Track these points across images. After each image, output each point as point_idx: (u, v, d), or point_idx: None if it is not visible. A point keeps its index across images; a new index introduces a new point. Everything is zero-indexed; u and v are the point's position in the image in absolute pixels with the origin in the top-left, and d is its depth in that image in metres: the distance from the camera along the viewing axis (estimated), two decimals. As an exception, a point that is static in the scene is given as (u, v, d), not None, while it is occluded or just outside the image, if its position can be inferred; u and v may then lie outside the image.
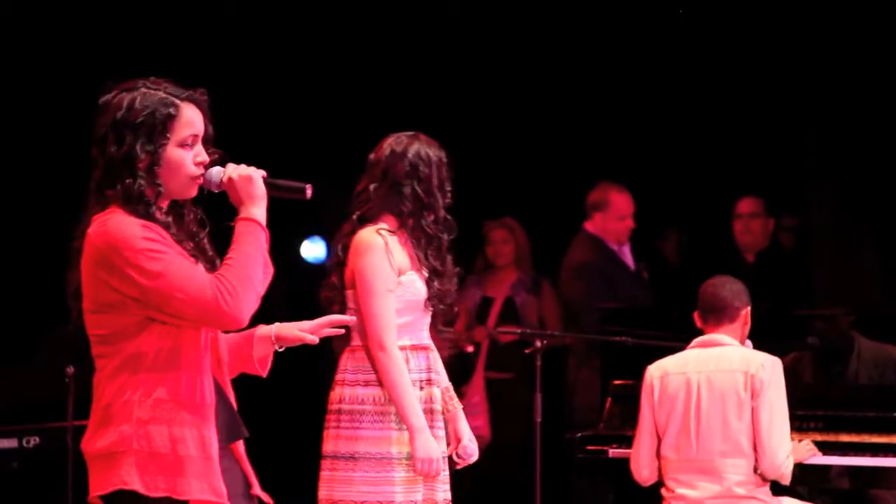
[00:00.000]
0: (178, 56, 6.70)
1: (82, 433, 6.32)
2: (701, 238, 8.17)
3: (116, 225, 3.15)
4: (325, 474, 4.33)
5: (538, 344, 5.78)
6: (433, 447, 4.24)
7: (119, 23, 7.29)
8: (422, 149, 4.40)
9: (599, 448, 5.90)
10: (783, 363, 5.23)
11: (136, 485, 3.14)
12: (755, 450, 5.05)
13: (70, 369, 5.96)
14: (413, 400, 4.25)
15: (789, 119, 7.71)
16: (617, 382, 6.13)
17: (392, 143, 4.41)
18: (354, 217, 4.40)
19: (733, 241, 7.54)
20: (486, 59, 8.03)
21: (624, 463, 5.43)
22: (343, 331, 3.63)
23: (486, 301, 7.84)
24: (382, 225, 4.35)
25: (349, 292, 4.34)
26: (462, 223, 7.86)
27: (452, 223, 4.42)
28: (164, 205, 3.25)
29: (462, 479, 7.78)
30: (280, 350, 3.51)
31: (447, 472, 4.41)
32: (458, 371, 7.94)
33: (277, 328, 3.49)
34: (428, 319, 4.45)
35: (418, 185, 4.37)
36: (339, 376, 4.37)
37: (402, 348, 4.34)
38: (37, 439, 6.16)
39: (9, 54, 7.19)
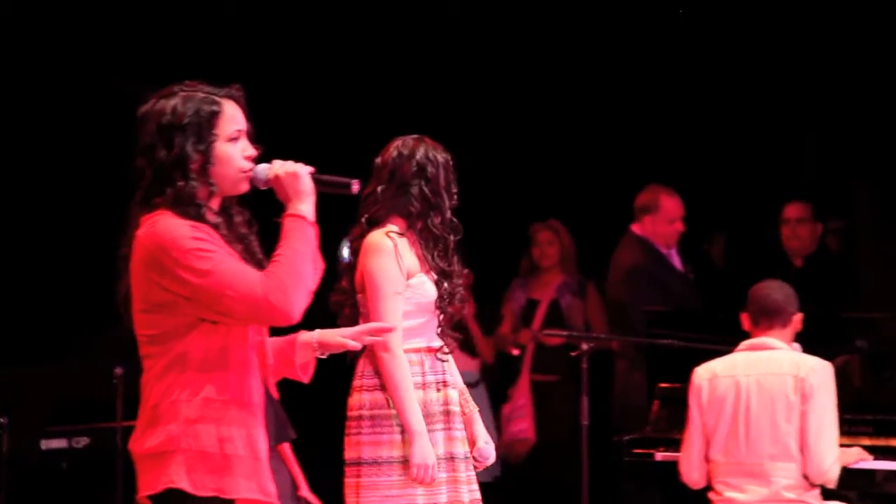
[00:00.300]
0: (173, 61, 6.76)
1: (131, 433, 6.38)
2: (747, 242, 8.12)
3: (165, 226, 3.17)
4: (350, 481, 4.31)
5: (584, 346, 5.77)
6: (430, 453, 4.22)
7: (149, 30, 7.34)
8: (428, 151, 4.43)
9: (647, 451, 5.88)
10: (832, 367, 5.19)
11: (184, 484, 3.15)
12: (802, 454, 5.02)
13: (119, 370, 6.01)
14: (414, 403, 4.24)
15: (835, 121, 7.66)
16: (663, 385, 6.10)
17: (399, 145, 4.43)
18: (363, 220, 4.41)
19: (780, 246, 7.49)
20: (534, 63, 8.03)
21: (671, 466, 5.40)
22: (384, 338, 3.64)
23: (532, 303, 7.84)
24: (391, 227, 4.36)
25: (360, 296, 4.34)
26: (508, 225, 7.93)
27: (458, 225, 4.43)
28: (215, 205, 3.27)
29: (508, 482, 7.83)
30: (322, 357, 3.51)
31: (472, 473, 4.40)
32: (505, 374, 7.98)
33: (320, 335, 3.49)
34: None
35: (426, 186, 4.39)
36: (356, 382, 4.35)
37: (417, 350, 4.32)
38: (86, 440, 6.21)
39: (57, 62, 7.26)
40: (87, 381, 6.10)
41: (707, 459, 5.20)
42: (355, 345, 3.51)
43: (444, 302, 4.35)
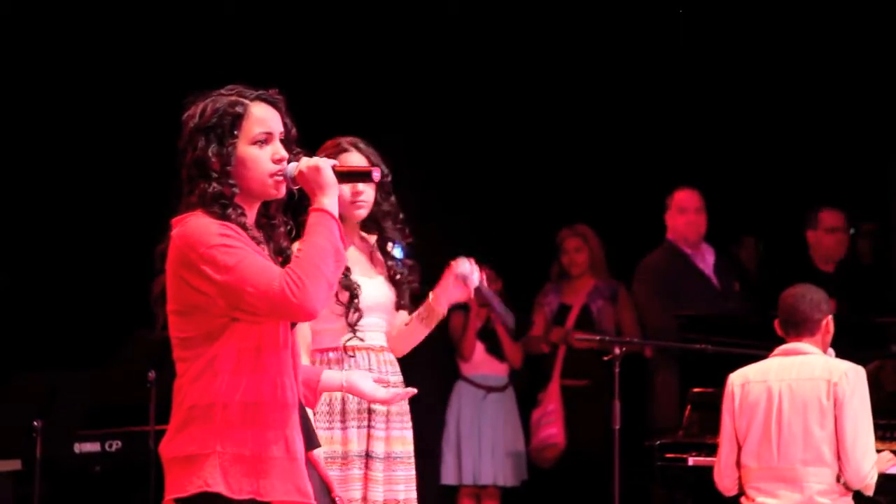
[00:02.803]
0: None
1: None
2: (780, 246, 8.08)
3: (194, 224, 3.19)
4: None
5: (617, 351, 5.76)
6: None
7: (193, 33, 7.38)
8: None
9: (679, 456, 5.86)
10: (865, 372, 5.17)
11: (220, 487, 3.14)
12: (839, 459, 4.99)
13: (152, 373, 6.03)
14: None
15: (870, 124, 7.63)
16: (696, 390, 6.09)
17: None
18: None
19: (810, 252, 7.41)
20: (567, 70, 8.04)
21: (703, 471, 5.39)
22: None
23: (564, 308, 7.83)
24: None
25: None
26: (537, 231, 7.93)
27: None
28: (247, 206, 3.28)
29: (538, 487, 7.83)
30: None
31: (395, 473, 4.40)
32: (534, 379, 7.97)
33: (348, 381, 3.67)
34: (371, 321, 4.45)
35: None
36: None
37: (335, 349, 4.36)
38: (119, 443, 6.22)
39: (102, 65, 7.30)
40: (120, 384, 6.11)
41: (738, 465, 5.18)
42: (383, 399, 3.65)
43: (351, 301, 4.36)
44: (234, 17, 7.53)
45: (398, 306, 4.50)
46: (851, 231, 7.42)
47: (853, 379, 5.04)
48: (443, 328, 8.01)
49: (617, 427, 5.72)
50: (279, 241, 3.33)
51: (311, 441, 3.39)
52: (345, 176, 3.32)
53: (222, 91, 3.30)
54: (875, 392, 5.27)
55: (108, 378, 6.10)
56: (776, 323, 5.26)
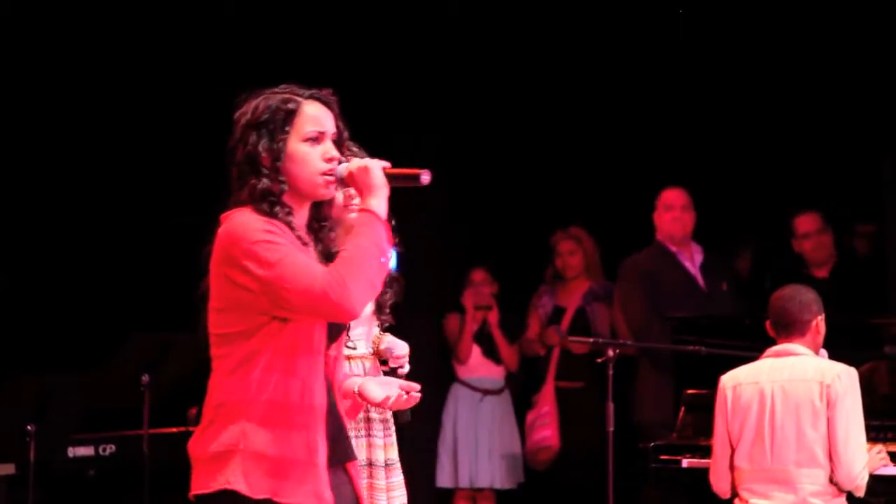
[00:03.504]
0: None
1: (158, 441, 6.41)
2: (775, 250, 8.02)
3: (239, 220, 3.18)
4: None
5: (610, 353, 5.76)
6: None
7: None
8: None
9: (673, 458, 5.86)
10: (859, 373, 5.16)
11: (240, 485, 3.12)
12: (831, 460, 4.99)
13: (146, 377, 6.02)
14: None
15: (864, 124, 7.62)
16: (690, 392, 6.09)
17: None
18: None
19: (800, 259, 7.35)
20: (559, 72, 8.03)
21: (698, 473, 5.39)
22: (417, 396, 3.57)
23: (558, 310, 7.83)
24: None
25: None
26: (531, 234, 7.92)
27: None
28: (296, 206, 3.26)
29: (533, 489, 7.82)
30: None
31: (395, 480, 4.40)
32: (529, 381, 7.97)
33: (361, 385, 3.53)
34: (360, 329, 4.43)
35: None
36: None
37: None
38: (113, 447, 6.21)
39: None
40: (114, 388, 6.10)
41: (732, 467, 5.18)
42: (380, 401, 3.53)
43: None
44: (235, 16, 7.54)
45: (378, 318, 4.45)
46: (829, 231, 7.30)
47: (846, 381, 5.04)
48: (439, 331, 8.05)
49: (611, 429, 5.72)
50: (329, 245, 3.31)
51: (346, 453, 3.35)
52: (394, 178, 3.29)
53: (275, 89, 3.29)
54: (869, 393, 5.27)
55: (102, 381, 6.08)
56: (768, 324, 5.26)
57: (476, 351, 7.94)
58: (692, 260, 7.32)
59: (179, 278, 7.11)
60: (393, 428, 4.46)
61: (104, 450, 6.19)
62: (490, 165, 8.06)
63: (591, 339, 6.67)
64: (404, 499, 4.43)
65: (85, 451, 6.15)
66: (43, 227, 7.23)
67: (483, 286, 7.91)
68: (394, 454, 4.43)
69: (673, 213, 7.26)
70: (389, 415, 4.42)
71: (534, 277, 8.00)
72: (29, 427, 5.83)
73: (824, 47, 7.52)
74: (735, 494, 5.19)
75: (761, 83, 7.85)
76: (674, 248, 7.29)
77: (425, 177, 3.30)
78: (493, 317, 7.91)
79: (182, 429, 6.65)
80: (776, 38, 7.70)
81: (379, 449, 4.38)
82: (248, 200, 3.22)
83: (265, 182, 3.21)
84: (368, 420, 4.37)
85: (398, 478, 4.43)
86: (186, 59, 7.46)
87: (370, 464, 4.36)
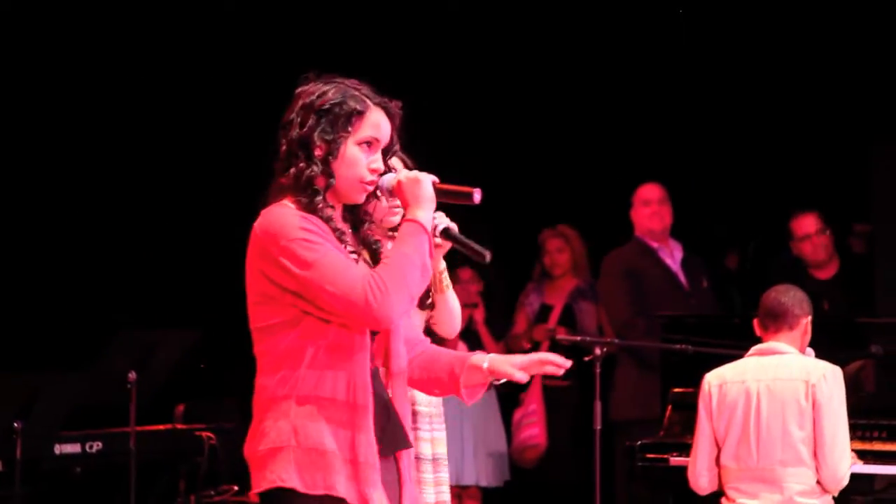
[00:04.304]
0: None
1: (144, 438, 6.39)
2: (771, 251, 7.99)
3: (276, 215, 3.13)
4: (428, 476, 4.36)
5: (597, 351, 5.76)
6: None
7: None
8: None
9: (660, 456, 5.86)
10: (845, 372, 5.17)
11: (295, 482, 3.07)
12: (816, 460, 4.99)
13: (132, 375, 6.01)
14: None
15: (856, 124, 7.62)
16: (677, 390, 6.09)
17: None
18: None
19: (798, 261, 7.31)
20: (547, 70, 8.03)
21: (685, 471, 5.37)
22: (560, 372, 3.36)
23: (545, 308, 7.83)
24: None
25: None
26: (518, 231, 7.92)
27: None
28: (334, 202, 3.21)
29: (519, 487, 7.83)
30: (497, 384, 3.38)
31: (442, 475, 4.40)
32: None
33: (491, 361, 3.34)
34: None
35: None
36: None
37: None
38: (100, 444, 6.20)
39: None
40: (101, 385, 6.10)
41: (717, 465, 5.18)
42: (522, 376, 3.31)
43: None
44: (235, 14, 7.55)
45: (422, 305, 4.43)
46: (828, 231, 7.27)
47: (831, 381, 5.04)
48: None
49: (598, 427, 5.73)
50: (367, 235, 3.27)
51: (398, 441, 3.27)
52: (444, 193, 3.25)
53: (349, 82, 3.24)
54: (855, 392, 5.28)
55: (89, 379, 6.08)
56: (755, 322, 5.25)
57: (461, 348, 7.94)
58: (672, 257, 7.31)
59: (166, 276, 7.17)
60: (443, 423, 4.45)
61: (91, 447, 6.18)
62: (477, 164, 8.06)
63: (580, 337, 6.67)
64: (448, 495, 4.41)
65: (72, 448, 6.14)
66: (29, 226, 7.22)
67: (470, 284, 7.91)
68: (442, 449, 4.41)
69: (651, 207, 7.25)
70: (439, 409, 4.42)
71: (520, 275, 8.00)
72: (16, 424, 5.82)
73: (823, 51, 7.52)
74: (721, 493, 5.19)
75: (756, 85, 7.86)
76: (654, 245, 7.28)
77: (477, 196, 3.26)
78: (479, 314, 7.91)
79: (169, 426, 6.66)
80: (775, 41, 7.71)
81: (425, 443, 4.35)
82: (291, 186, 3.16)
83: (314, 170, 3.16)
84: (415, 413, 4.35)
85: (445, 473, 4.42)
86: (178, 57, 7.46)
87: (416, 457, 4.34)
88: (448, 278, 4.39)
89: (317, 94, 3.19)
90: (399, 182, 3.22)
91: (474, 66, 7.93)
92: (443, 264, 4.33)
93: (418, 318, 4.43)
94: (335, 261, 3.09)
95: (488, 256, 3.28)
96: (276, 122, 3.24)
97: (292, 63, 3.46)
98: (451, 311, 4.43)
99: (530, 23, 7.99)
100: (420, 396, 4.36)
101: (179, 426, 6.66)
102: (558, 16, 7.99)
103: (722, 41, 7.84)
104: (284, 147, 3.19)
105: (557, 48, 8.04)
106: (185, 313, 6.81)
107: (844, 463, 4.99)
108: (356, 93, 3.22)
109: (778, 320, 5.16)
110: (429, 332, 4.33)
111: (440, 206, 3.25)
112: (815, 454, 4.99)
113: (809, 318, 5.19)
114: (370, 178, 3.22)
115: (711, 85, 7.90)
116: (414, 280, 3.12)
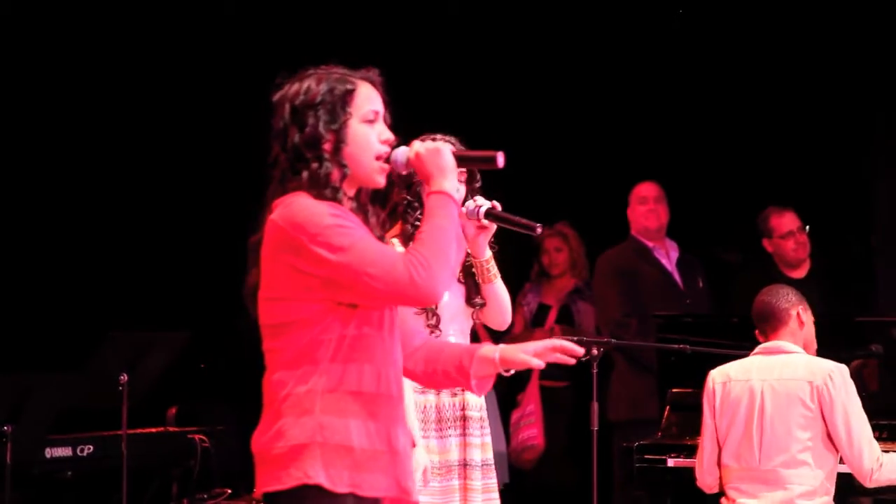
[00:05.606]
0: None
1: (136, 441, 6.34)
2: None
3: (301, 204, 3.05)
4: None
5: (595, 352, 5.71)
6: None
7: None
8: None
9: (658, 457, 5.82)
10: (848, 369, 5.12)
11: (321, 479, 2.98)
12: (841, 462, 4.96)
13: (124, 377, 5.97)
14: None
15: (854, 120, 7.59)
16: (675, 391, 6.06)
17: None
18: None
19: (774, 259, 7.24)
20: (545, 69, 8.01)
21: (683, 472, 5.35)
22: (574, 361, 3.31)
23: (543, 308, 7.79)
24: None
25: None
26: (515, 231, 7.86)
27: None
28: (351, 192, 3.15)
29: (518, 488, 7.78)
30: (506, 374, 3.32)
31: (490, 482, 4.34)
32: (514, 380, 7.92)
33: (502, 350, 3.29)
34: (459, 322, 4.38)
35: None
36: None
37: None
38: (91, 447, 6.17)
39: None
40: (92, 388, 6.05)
41: (719, 464, 5.13)
42: (539, 363, 3.25)
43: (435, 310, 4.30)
44: (234, 15, 7.53)
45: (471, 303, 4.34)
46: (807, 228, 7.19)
47: (837, 381, 4.98)
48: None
49: (595, 428, 5.67)
50: (374, 230, 3.18)
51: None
52: (466, 160, 3.19)
53: (318, 70, 3.18)
54: (857, 392, 5.22)
55: (80, 381, 6.03)
56: (757, 333, 5.21)
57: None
58: (668, 257, 7.28)
59: (158, 278, 7.13)
60: (489, 428, 4.38)
61: (82, 450, 6.15)
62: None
63: (577, 338, 6.61)
64: (497, 502, 4.35)
65: (63, 451, 6.10)
66: (21, 227, 7.19)
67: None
68: (490, 454, 4.36)
69: (647, 205, 7.24)
70: (486, 413, 4.35)
71: (518, 274, 7.95)
72: (6, 427, 5.79)
73: (820, 55, 7.49)
74: (722, 493, 5.14)
75: (759, 84, 7.83)
76: (650, 244, 7.26)
77: (500, 159, 3.19)
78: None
79: (161, 429, 6.63)
80: (775, 41, 7.68)
81: (476, 448, 4.30)
82: (308, 186, 3.07)
83: (328, 167, 3.09)
84: (465, 419, 4.29)
85: (494, 480, 4.36)
86: (172, 57, 7.44)
87: (465, 464, 4.28)
88: (496, 267, 4.31)
89: (302, 92, 3.14)
90: (417, 154, 3.15)
91: (473, 66, 7.90)
92: (488, 252, 4.26)
93: (417, 320, 4.38)
94: (370, 244, 3.02)
95: (539, 229, 3.23)
96: (267, 126, 3.16)
97: (284, 64, 3.40)
98: (501, 301, 4.36)
99: (528, 22, 7.96)
100: (471, 401, 4.30)
101: (172, 429, 6.64)
102: (556, 15, 7.96)
103: (721, 41, 7.81)
104: (285, 154, 3.12)
105: (555, 47, 8.02)
106: (177, 315, 6.77)
107: (866, 456, 4.92)
108: (336, 75, 3.17)
109: (770, 321, 5.12)
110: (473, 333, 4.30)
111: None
112: (841, 457, 4.95)
113: (801, 307, 5.13)
114: (384, 149, 3.16)
115: (711, 85, 7.87)
116: (452, 251, 3.05)
